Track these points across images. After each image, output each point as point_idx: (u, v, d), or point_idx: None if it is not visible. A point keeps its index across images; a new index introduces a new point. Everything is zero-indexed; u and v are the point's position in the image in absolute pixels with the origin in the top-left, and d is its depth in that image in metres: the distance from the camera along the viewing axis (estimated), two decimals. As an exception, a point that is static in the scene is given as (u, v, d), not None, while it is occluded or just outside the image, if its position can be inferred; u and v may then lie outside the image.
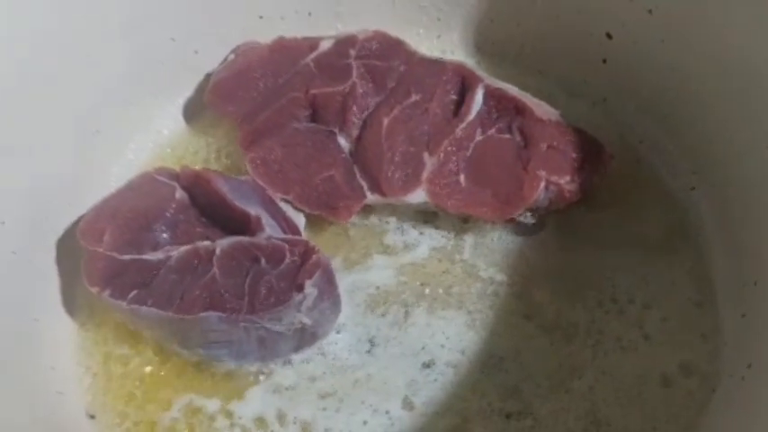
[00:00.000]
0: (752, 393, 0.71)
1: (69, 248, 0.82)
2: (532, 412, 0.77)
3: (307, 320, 0.74)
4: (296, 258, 0.74)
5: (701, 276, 0.83)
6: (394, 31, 0.92)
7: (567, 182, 0.82)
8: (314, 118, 0.89)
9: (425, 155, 0.84)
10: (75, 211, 0.84)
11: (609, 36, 0.90)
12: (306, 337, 0.77)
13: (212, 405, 0.78)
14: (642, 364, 0.78)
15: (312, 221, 0.86)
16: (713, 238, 0.84)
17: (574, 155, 0.83)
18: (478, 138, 0.85)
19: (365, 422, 0.77)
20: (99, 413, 0.78)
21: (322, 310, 0.76)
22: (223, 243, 0.75)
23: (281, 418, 0.77)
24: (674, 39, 0.85)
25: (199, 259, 0.75)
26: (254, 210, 0.78)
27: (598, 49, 0.91)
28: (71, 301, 0.82)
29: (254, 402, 0.78)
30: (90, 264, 0.76)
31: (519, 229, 0.87)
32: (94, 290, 0.75)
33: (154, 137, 0.93)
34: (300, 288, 0.72)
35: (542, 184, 0.82)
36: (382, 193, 0.84)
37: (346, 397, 0.78)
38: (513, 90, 0.87)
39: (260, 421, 0.77)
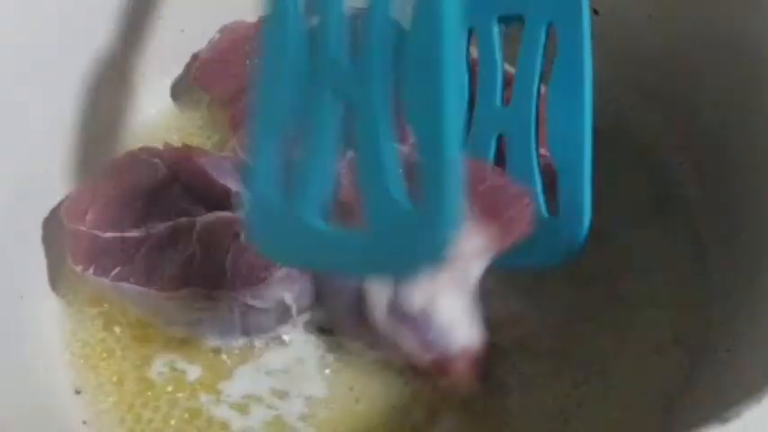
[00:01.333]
0: (735, 366, 0.70)
1: (54, 227, 0.80)
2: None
3: (289, 296, 0.72)
4: None
5: (694, 249, 0.81)
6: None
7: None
8: (306, 96, 0.87)
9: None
10: (61, 190, 0.82)
11: (595, 12, 0.87)
12: (289, 312, 0.75)
13: (196, 379, 0.76)
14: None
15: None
16: (702, 211, 0.82)
17: None
18: None
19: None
20: (85, 388, 0.76)
21: (303, 284, 0.73)
22: (203, 219, 0.73)
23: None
24: (661, 13, 0.83)
25: (179, 236, 0.73)
26: (235, 186, 0.76)
27: (585, 24, 0.89)
28: (56, 278, 0.80)
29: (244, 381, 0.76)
30: (73, 242, 0.75)
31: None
32: (78, 268, 0.73)
33: (141, 117, 0.91)
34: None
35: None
36: None
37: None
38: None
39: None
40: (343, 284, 0.74)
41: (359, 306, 0.72)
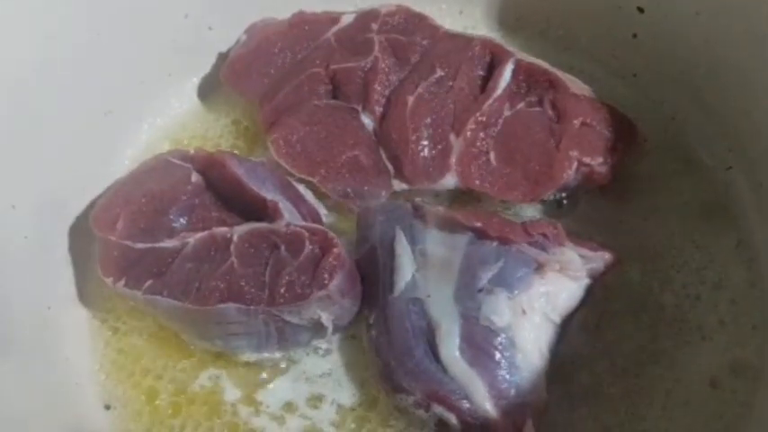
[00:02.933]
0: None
1: (82, 233, 0.76)
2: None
3: (327, 316, 0.68)
4: (315, 248, 0.67)
5: (748, 256, 0.76)
6: (416, 5, 0.84)
7: (599, 164, 0.75)
8: (335, 94, 0.82)
9: (452, 136, 0.77)
10: (89, 194, 0.78)
11: (640, 10, 0.82)
12: (326, 328, 0.70)
13: (234, 394, 0.72)
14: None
15: (331, 206, 0.80)
16: (753, 217, 0.77)
17: (607, 134, 0.76)
18: (507, 113, 0.78)
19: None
20: (115, 404, 0.72)
21: (342, 305, 0.69)
22: (240, 230, 0.69)
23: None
24: (708, 11, 0.77)
25: (216, 247, 0.68)
26: (270, 194, 0.71)
27: (628, 22, 0.83)
28: (84, 288, 0.76)
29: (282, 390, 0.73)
30: (104, 253, 0.70)
31: (551, 207, 0.80)
32: (109, 280, 0.69)
33: (168, 117, 0.86)
34: (322, 286, 0.65)
35: (574, 166, 0.75)
36: (408, 182, 0.78)
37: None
38: (544, 65, 0.79)
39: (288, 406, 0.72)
40: (406, 318, 0.69)
41: (420, 346, 0.68)
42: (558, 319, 0.70)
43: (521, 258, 0.70)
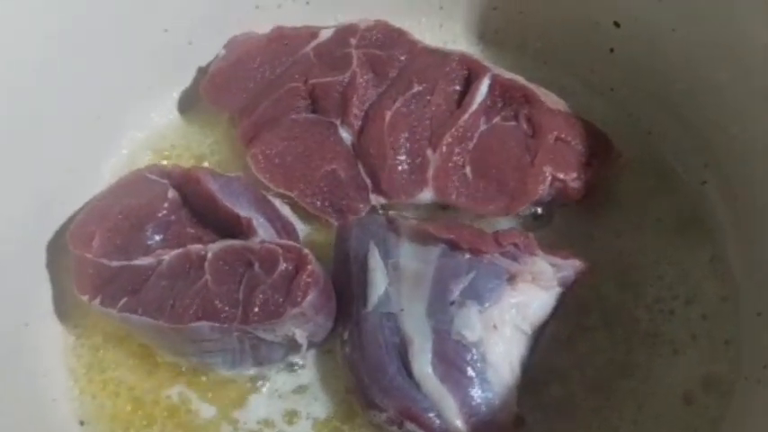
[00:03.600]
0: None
1: (60, 248, 0.75)
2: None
3: (301, 333, 0.67)
4: (290, 265, 0.67)
5: (722, 270, 0.76)
6: (395, 20, 0.84)
7: (572, 179, 0.75)
8: (314, 109, 0.81)
9: (429, 151, 0.77)
10: (68, 208, 0.78)
11: (617, 24, 0.82)
12: (300, 345, 0.70)
13: (210, 411, 0.72)
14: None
15: (310, 219, 0.80)
16: (728, 231, 0.77)
17: (582, 149, 0.76)
18: (483, 127, 0.78)
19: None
20: (89, 420, 0.72)
21: (317, 322, 0.69)
22: (215, 247, 0.69)
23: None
24: (685, 27, 0.77)
25: (190, 264, 0.68)
26: (245, 210, 0.71)
27: (605, 37, 0.83)
28: (61, 304, 0.76)
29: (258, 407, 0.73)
30: (80, 270, 0.70)
31: (527, 221, 0.80)
32: (84, 297, 0.69)
33: (148, 130, 0.86)
34: (296, 304, 0.65)
35: (548, 181, 0.75)
36: (386, 196, 0.78)
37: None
38: (520, 80, 0.79)
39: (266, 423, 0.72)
40: (380, 333, 0.69)
41: (393, 363, 0.68)
42: (529, 330, 0.70)
43: (492, 269, 0.70)
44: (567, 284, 0.72)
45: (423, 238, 0.72)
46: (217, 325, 0.65)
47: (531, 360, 0.71)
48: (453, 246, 0.71)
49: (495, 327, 0.68)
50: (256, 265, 0.67)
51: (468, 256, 0.70)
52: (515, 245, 0.70)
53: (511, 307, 0.70)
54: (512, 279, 0.70)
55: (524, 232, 0.72)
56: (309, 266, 0.67)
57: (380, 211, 0.80)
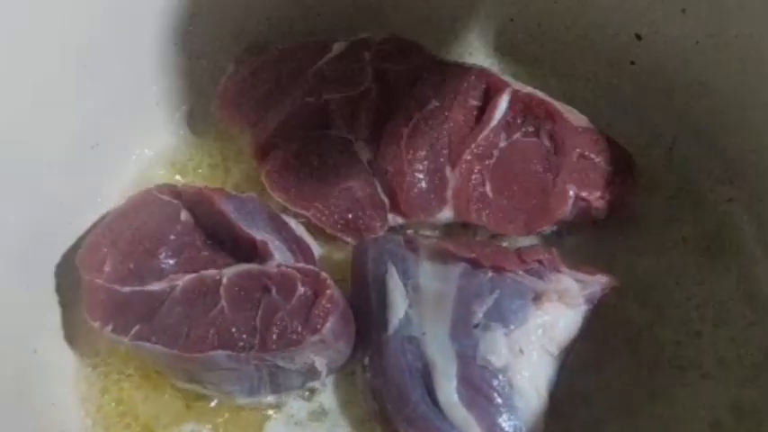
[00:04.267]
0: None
1: (69, 271, 0.72)
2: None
3: (320, 360, 0.65)
4: (308, 290, 0.65)
5: (750, 291, 0.74)
6: (408, 33, 0.82)
7: (596, 198, 0.73)
8: (328, 125, 0.79)
9: (447, 169, 0.75)
10: (76, 229, 0.75)
11: (638, 37, 0.80)
12: (319, 372, 0.67)
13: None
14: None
15: (327, 237, 0.77)
16: (756, 250, 0.75)
17: (605, 167, 0.74)
18: (503, 144, 0.76)
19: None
20: (103, 451, 0.69)
21: (336, 349, 0.67)
22: (230, 272, 0.66)
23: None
24: (709, 40, 0.75)
25: (205, 290, 0.65)
26: (260, 232, 0.68)
27: (626, 50, 0.81)
28: (70, 329, 0.73)
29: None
30: (91, 296, 0.67)
31: (547, 239, 0.77)
32: (96, 324, 0.66)
33: (157, 147, 0.83)
34: (315, 331, 0.63)
35: (571, 200, 0.73)
36: (404, 216, 0.75)
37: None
38: (540, 94, 0.77)
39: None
40: (402, 358, 0.66)
41: (417, 389, 0.65)
42: (555, 351, 0.68)
43: (516, 288, 0.67)
44: (594, 301, 0.69)
45: (443, 258, 0.69)
46: (234, 354, 0.63)
47: (557, 383, 0.68)
48: (475, 264, 0.68)
49: (521, 351, 0.66)
50: (273, 291, 0.65)
51: (490, 274, 0.68)
52: (540, 261, 0.67)
53: (537, 328, 0.67)
54: (537, 298, 0.67)
55: (548, 248, 0.69)
56: (328, 291, 0.64)
57: (398, 230, 0.77)
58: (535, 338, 0.67)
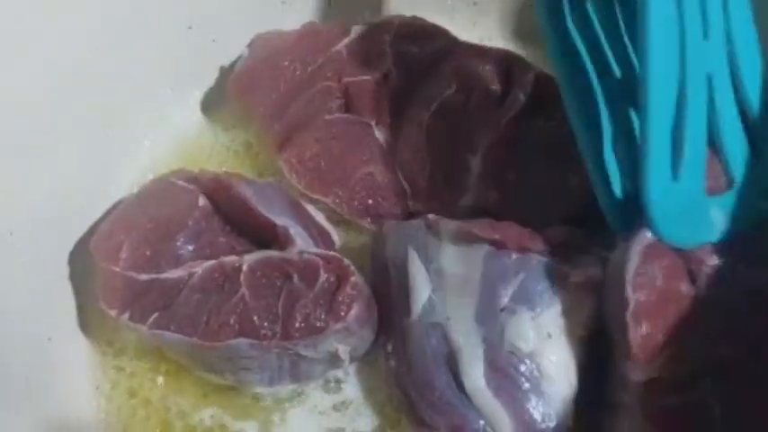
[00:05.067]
0: None
1: (83, 258, 0.70)
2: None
3: (344, 348, 0.63)
4: (331, 277, 0.63)
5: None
6: (428, 16, 0.79)
7: (619, 183, 0.71)
8: (348, 108, 0.77)
9: (468, 155, 0.73)
10: (89, 216, 0.73)
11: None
12: (342, 360, 0.66)
13: (249, 430, 0.67)
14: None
15: (345, 224, 0.75)
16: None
17: None
18: (525, 129, 0.73)
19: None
20: (119, 441, 0.67)
21: (360, 336, 0.65)
22: (251, 258, 0.64)
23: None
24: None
25: (225, 277, 0.63)
26: (280, 218, 0.66)
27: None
28: (85, 317, 0.71)
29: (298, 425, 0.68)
30: (107, 284, 0.65)
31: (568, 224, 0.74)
32: (113, 312, 0.64)
33: (170, 133, 0.80)
34: (340, 318, 0.61)
35: (594, 185, 0.71)
36: (424, 202, 0.73)
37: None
38: (561, 79, 0.75)
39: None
40: (426, 344, 0.64)
41: (442, 376, 0.63)
42: (584, 333, 0.65)
43: (542, 270, 0.65)
44: None
45: (466, 240, 0.66)
46: (256, 342, 0.61)
47: (587, 366, 0.65)
48: (499, 246, 0.65)
49: (549, 335, 0.64)
50: (295, 278, 0.63)
51: (515, 256, 0.65)
52: (565, 242, 0.65)
53: (565, 310, 0.65)
54: (563, 279, 0.65)
55: (573, 228, 0.67)
56: (353, 278, 0.62)
57: (418, 217, 0.75)
58: (563, 321, 0.64)
